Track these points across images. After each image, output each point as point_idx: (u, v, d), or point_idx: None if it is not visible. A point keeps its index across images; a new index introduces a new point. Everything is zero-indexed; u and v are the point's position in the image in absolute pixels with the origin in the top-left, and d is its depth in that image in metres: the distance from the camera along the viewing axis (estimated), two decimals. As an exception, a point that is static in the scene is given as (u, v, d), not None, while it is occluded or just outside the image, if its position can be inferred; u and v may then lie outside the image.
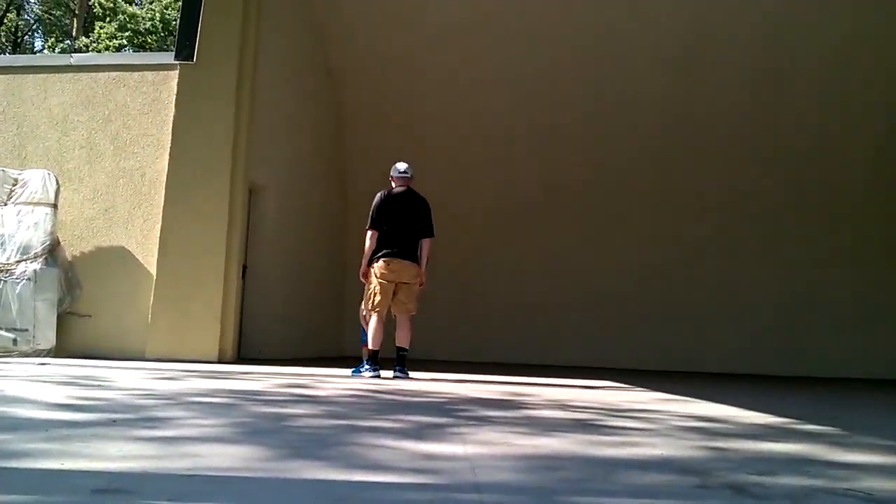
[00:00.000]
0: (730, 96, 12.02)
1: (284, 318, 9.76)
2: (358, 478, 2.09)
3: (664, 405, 4.95)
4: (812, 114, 12.06)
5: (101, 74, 8.66)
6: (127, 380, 5.05)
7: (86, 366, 6.31)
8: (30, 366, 6.16)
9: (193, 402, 3.84)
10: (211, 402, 3.89)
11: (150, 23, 25.93)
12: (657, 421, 3.90)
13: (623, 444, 2.98)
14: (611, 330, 12.47)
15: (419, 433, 3.00)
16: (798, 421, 4.24)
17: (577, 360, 11.97)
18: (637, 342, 12.37)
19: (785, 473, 2.45)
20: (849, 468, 2.60)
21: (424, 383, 5.96)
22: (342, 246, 12.17)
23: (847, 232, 12.72)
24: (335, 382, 5.67)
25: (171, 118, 8.20)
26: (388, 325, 6.74)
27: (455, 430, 3.15)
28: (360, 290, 12.26)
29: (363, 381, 5.88)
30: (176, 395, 4.15)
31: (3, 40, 28.83)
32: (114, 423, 2.97)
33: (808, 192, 12.63)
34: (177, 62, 8.33)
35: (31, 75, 8.83)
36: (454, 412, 3.87)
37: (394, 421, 3.41)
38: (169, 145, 8.12)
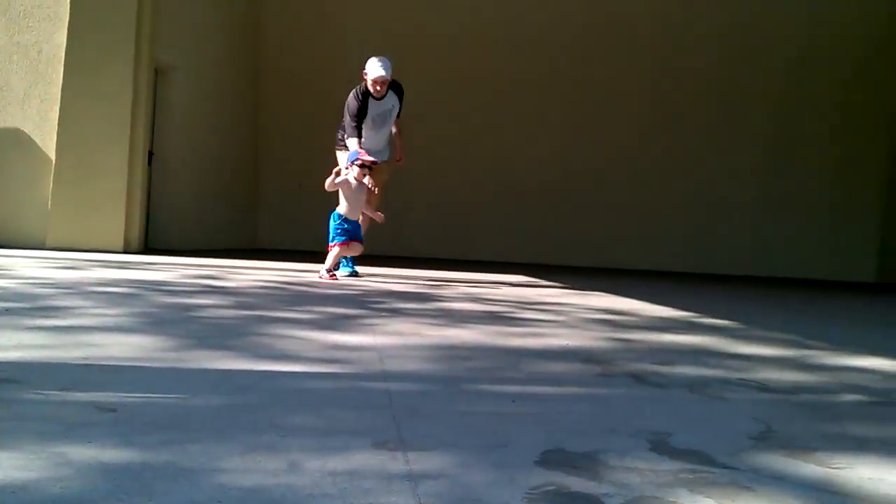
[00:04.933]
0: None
1: (195, 208, 9.44)
2: (262, 367, 2.05)
3: (573, 298, 5.07)
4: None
5: (-14, -63, 7.86)
6: (23, 268, 4.82)
7: (-20, 253, 6.00)
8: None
9: (93, 292, 3.70)
10: (112, 293, 3.75)
11: None
12: (565, 313, 3.98)
13: (531, 335, 3.02)
14: (528, 225, 12.56)
15: (330, 324, 2.97)
16: (699, 315, 4.40)
17: (496, 255, 12.08)
18: (554, 238, 12.54)
19: (684, 364, 2.54)
20: (744, 359, 2.72)
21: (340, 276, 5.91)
22: (256, 133, 11.77)
23: (755, 142, 13.09)
24: (246, 274, 5.56)
25: (69, -11, 7.56)
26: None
27: (367, 321, 3.13)
28: (276, 180, 12.01)
29: (276, 273, 5.79)
30: (75, 285, 3.98)
31: None
32: (6, 311, 2.83)
33: (723, 108, 12.85)
34: (73, -74, 7.61)
35: None
36: (368, 304, 3.85)
37: (304, 312, 3.37)
38: (67, 19, 7.53)
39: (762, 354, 2.87)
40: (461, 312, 3.74)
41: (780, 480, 1.28)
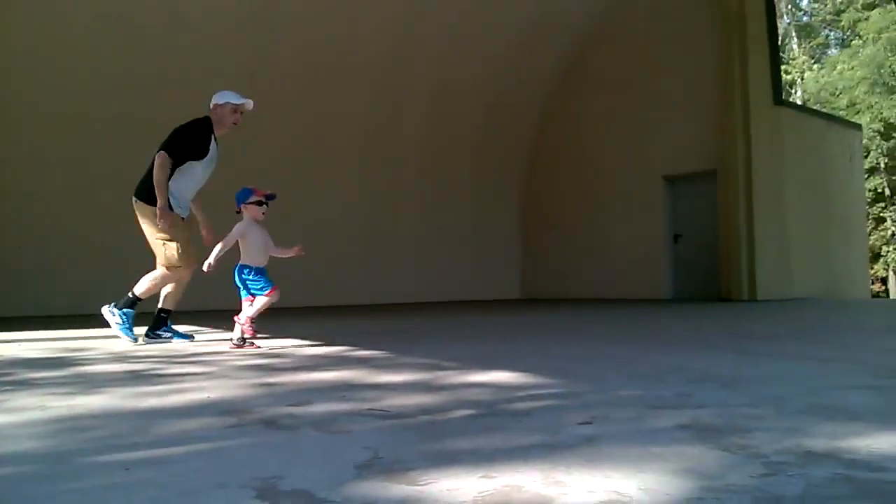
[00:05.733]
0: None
1: None
2: None
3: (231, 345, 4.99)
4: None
5: None
6: None
7: None
8: None
9: None
10: None
11: None
12: (217, 363, 3.91)
13: (171, 391, 2.92)
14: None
15: (-74, 409, 2.59)
16: (353, 348, 4.60)
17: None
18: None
19: (321, 401, 2.62)
20: (380, 389, 2.89)
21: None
22: None
23: (416, 184, 14.16)
24: None
25: None
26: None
27: (-22, 399, 2.78)
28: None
29: None
30: None
31: None
32: None
33: (375, 145, 13.67)
34: None
35: None
36: (-14, 378, 3.42)
37: None
38: None
39: (398, 381, 3.08)
40: (100, 376, 3.49)
41: (370, 506, 1.39)
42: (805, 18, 36.01)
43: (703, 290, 12.52)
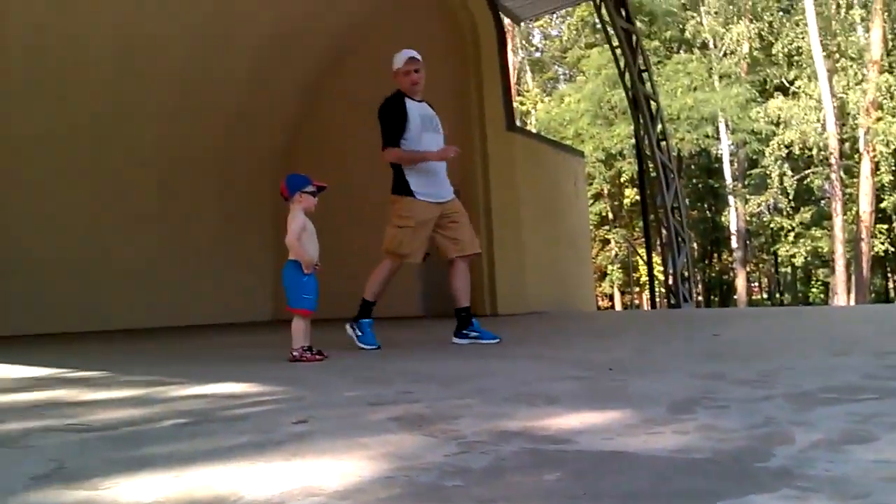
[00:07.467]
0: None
1: None
2: None
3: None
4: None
5: None
6: None
7: None
8: None
9: None
10: None
11: None
12: None
13: None
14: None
15: None
16: (71, 370, 4.22)
17: None
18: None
19: (14, 420, 2.38)
20: (86, 406, 2.68)
21: None
22: None
23: (147, 199, 13.28)
24: None
25: None
26: None
27: None
28: None
29: None
30: None
31: None
32: None
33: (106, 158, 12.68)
34: None
35: None
36: None
37: None
38: None
39: (111, 398, 2.88)
40: None
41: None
42: (537, 54, 39.29)
43: (451, 307, 12.96)
